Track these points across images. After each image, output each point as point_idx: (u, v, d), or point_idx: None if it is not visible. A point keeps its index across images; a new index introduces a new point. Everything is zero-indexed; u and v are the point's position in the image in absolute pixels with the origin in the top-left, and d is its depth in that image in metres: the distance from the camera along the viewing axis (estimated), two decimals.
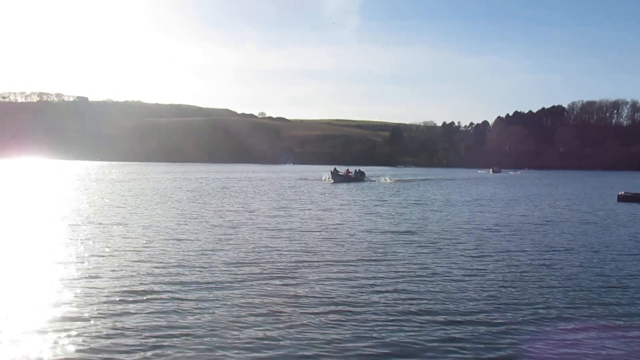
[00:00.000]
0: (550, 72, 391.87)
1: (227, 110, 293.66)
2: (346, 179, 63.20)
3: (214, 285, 10.92)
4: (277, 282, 11.33)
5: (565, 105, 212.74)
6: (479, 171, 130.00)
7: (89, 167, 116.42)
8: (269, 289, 10.77)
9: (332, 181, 60.69)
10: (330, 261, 13.48)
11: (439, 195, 40.69)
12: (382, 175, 70.70)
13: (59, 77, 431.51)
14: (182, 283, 11.08)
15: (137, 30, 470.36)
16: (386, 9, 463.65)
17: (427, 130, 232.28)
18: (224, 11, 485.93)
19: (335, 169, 65.39)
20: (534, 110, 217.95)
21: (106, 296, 9.95)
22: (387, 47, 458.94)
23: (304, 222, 21.57)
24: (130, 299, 9.81)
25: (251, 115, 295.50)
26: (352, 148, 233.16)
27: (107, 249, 14.58)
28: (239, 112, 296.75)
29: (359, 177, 65.89)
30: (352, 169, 70.11)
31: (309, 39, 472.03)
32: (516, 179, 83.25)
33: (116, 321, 8.57)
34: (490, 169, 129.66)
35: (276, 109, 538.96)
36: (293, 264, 13.12)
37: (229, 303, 9.64)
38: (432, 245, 16.34)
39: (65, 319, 8.64)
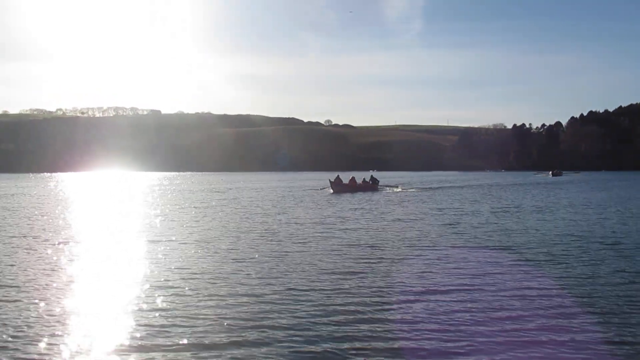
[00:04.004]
0: (627, 68, 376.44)
1: (293, 118, 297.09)
2: (350, 188, 54.39)
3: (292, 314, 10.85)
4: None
5: None
6: (535, 175, 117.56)
7: (166, 178, 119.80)
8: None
9: (332, 191, 52.66)
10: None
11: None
12: (399, 183, 61.52)
13: (134, 92, 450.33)
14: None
15: (205, 44, 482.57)
16: (450, 11, 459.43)
17: (497, 133, 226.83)
18: (287, 22, 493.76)
19: (338, 176, 56.63)
20: (610, 110, 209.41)
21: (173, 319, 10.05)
22: (452, 50, 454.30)
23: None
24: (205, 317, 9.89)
25: (317, 124, 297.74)
26: (420, 153, 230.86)
27: (174, 266, 14.73)
28: (305, 120, 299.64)
29: (370, 185, 56.55)
30: (363, 176, 61.33)
31: (373, 46, 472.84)
32: (587, 183, 76.37)
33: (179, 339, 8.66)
34: (550, 172, 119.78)
35: (342, 117, 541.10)
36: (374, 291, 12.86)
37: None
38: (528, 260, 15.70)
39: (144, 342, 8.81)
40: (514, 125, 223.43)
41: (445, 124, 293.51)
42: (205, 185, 77.11)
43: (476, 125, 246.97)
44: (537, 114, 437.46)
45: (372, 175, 60.30)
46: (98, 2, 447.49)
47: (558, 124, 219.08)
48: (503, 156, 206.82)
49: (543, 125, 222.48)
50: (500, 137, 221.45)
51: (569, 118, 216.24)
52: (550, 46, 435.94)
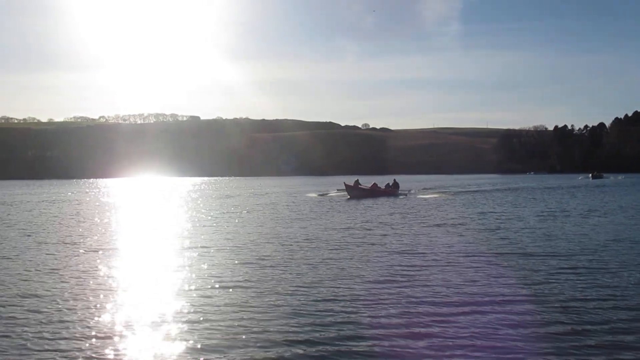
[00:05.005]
0: None
1: (330, 123, 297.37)
2: (368, 193, 50.34)
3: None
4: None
5: None
6: (579, 178, 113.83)
7: (204, 182, 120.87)
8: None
9: (348, 197, 49.02)
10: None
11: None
12: (416, 188, 58.04)
13: (174, 99, 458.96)
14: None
15: (242, 51, 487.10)
16: (488, 12, 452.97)
17: (538, 135, 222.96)
18: (324, 26, 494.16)
19: (357, 180, 53.11)
20: None
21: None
22: (491, 52, 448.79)
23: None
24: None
25: (355, 127, 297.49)
26: (458, 156, 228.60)
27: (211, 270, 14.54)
28: (343, 124, 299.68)
29: (390, 190, 53.14)
30: (384, 180, 57.54)
31: (410, 48, 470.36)
32: (632, 186, 72.02)
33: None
34: (590, 174, 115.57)
35: (380, 120, 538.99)
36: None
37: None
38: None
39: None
40: (555, 127, 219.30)
41: (485, 127, 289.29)
42: (242, 190, 77.54)
43: (516, 128, 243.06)
44: (579, 115, 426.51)
45: (394, 180, 56.38)
46: (138, 16, 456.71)
47: (601, 125, 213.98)
48: (544, 159, 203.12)
49: (585, 126, 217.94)
50: (541, 139, 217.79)
51: (613, 119, 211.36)
52: (592, 45, 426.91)
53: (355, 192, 49.71)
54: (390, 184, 54.58)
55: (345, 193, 50.94)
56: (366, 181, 55.98)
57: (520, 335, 9.09)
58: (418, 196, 50.99)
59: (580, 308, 10.63)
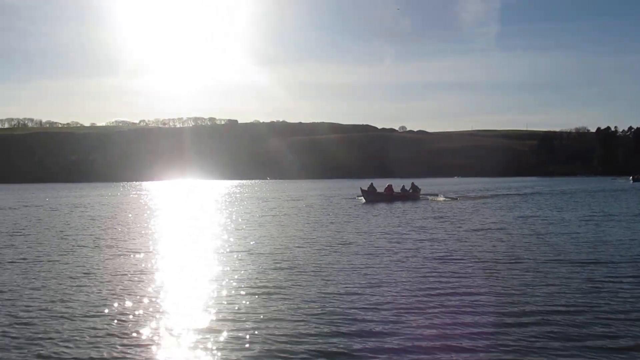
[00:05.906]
0: None
1: (367, 125, 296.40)
2: (386, 197, 50.05)
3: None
4: None
5: None
6: (617, 180, 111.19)
7: (242, 185, 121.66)
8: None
9: (364, 201, 49.32)
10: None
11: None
12: (446, 191, 56.75)
13: (212, 103, 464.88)
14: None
15: (279, 54, 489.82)
16: (528, 12, 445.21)
17: (580, 137, 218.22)
18: (361, 29, 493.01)
19: (371, 184, 52.41)
20: None
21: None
22: (530, 53, 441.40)
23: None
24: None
25: (392, 130, 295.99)
26: (497, 159, 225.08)
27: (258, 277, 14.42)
28: (379, 127, 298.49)
29: (410, 194, 52.14)
30: (404, 183, 55.68)
31: (447, 50, 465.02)
32: None
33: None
34: (630, 177, 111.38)
35: (417, 123, 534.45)
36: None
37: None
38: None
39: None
40: (598, 129, 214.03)
41: (524, 129, 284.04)
42: (278, 193, 77.82)
43: (557, 130, 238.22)
44: (623, 116, 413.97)
45: (412, 183, 55.52)
46: (178, 22, 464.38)
47: None
48: (587, 161, 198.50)
49: (630, 128, 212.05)
50: (582, 141, 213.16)
51: None
52: (635, 45, 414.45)
53: (372, 197, 49.86)
54: (408, 188, 53.81)
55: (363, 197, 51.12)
56: (380, 184, 55.62)
57: (562, 348, 8.75)
58: (446, 199, 50.31)
59: (622, 320, 10.18)
